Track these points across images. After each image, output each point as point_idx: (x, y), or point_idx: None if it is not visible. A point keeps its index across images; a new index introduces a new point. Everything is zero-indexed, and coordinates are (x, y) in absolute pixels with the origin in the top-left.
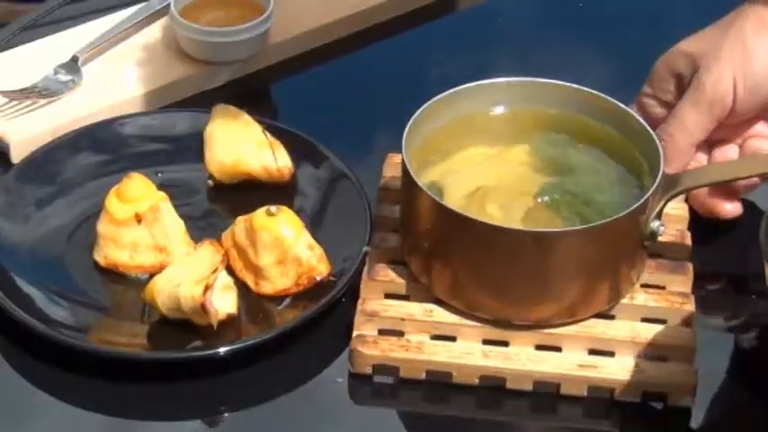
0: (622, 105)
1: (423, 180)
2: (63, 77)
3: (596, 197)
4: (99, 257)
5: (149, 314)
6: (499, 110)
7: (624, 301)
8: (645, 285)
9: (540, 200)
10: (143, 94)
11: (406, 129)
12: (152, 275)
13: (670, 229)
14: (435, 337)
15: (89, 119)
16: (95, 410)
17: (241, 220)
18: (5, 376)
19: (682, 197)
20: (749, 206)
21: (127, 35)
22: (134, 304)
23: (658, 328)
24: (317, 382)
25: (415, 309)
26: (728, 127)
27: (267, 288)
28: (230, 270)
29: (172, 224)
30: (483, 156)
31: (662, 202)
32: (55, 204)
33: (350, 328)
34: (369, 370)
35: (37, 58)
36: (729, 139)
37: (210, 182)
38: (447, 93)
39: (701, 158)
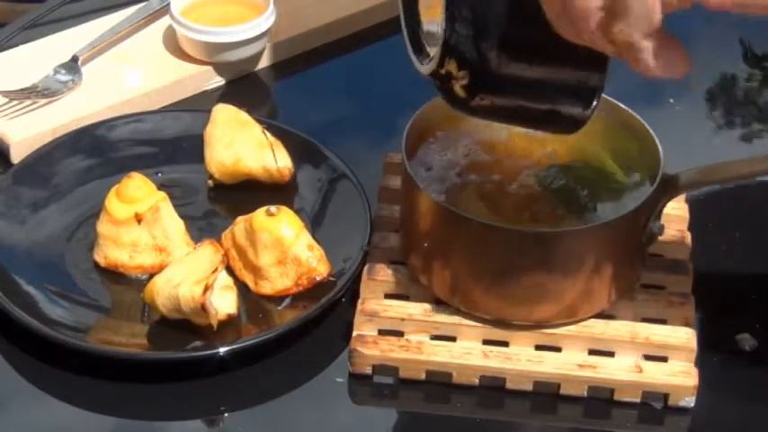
0: (623, 106)
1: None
2: (63, 77)
3: (592, 178)
4: (99, 258)
5: (149, 314)
6: None
7: (624, 301)
8: (645, 285)
9: (534, 178)
10: (143, 94)
11: (406, 129)
12: (152, 275)
13: (670, 229)
14: (435, 338)
15: (89, 119)
16: (95, 410)
17: (241, 220)
18: (5, 376)
19: (682, 197)
20: (749, 206)
21: (127, 35)
22: (134, 304)
23: (658, 328)
24: (316, 382)
25: (415, 309)
26: None
27: (267, 288)
28: (230, 270)
29: (172, 224)
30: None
31: (662, 202)
32: (55, 204)
33: (350, 328)
34: (369, 370)
35: (37, 58)
36: None
37: (210, 182)
38: None
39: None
